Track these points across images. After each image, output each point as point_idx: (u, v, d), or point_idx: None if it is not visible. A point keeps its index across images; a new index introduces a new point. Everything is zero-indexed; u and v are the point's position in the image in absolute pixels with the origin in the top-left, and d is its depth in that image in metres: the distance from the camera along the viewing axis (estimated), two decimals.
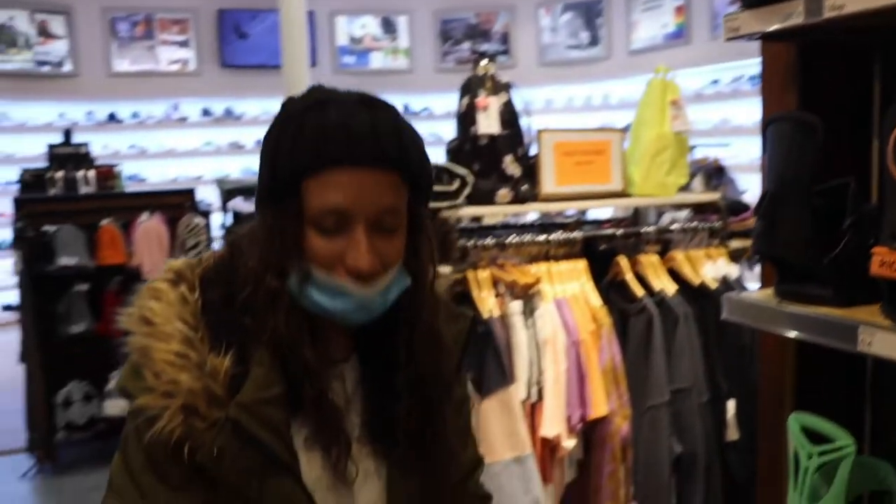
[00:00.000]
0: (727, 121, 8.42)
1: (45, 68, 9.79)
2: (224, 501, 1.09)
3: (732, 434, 2.99)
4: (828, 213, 1.25)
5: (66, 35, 9.91)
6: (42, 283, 4.86)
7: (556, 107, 10.32)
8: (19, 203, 5.13)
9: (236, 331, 1.10)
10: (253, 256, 1.10)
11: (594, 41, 10.40)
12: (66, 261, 4.76)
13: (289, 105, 1.13)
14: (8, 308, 9.17)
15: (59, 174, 5.66)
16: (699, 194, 3.41)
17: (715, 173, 5.21)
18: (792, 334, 1.23)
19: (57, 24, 9.87)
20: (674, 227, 3.12)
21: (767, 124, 1.30)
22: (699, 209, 3.53)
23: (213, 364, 1.06)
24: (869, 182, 1.12)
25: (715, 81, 8.75)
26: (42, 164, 5.90)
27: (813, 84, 1.44)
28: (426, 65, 11.19)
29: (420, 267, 1.17)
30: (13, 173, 6.20)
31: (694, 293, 2.97)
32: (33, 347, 4.85)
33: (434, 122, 10.30)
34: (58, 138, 6.07)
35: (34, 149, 8.48)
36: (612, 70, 9.89)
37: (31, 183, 5.71)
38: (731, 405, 3.00)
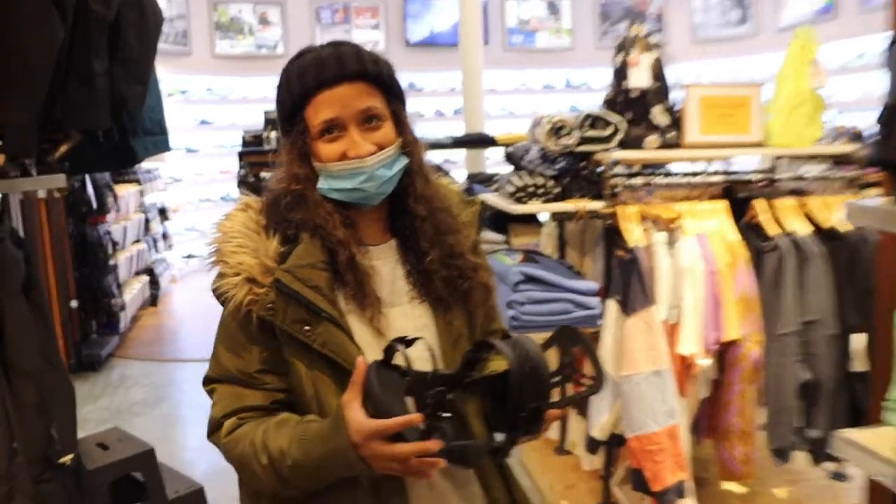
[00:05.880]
0: (870, 93, 7.83)
1: (263, 51, 10.34)
2: (291, 354, 1.25)
3: (859, 365, 2.86)
4: None
5: (280, 22, 10.41)
6: None
7: (705, 82, 9.91)
8: (241, 155, 5.52)
9: (284, 223, 1.29)
10: (282, 174, 1.30)
11: (743, 19, 9.89)
12: None
13: (287, 65, 1.33)
14: None
15: (273, 134, 6.04)
16: (836, 145, 3.23)
17: (853, 139, 4.90)
18: None
19: (274, 14, 10.39)
20: (811, 175, 3.00)
21: (891, 45, 1.26)
22: (837, 162, 3.36)
23: (265, 245, 1.26)
24: None
25: (860, 55, 8.15)
26: (258, 128, 6.30)
27: None
28: (586, 43, 10.99)
29: (411, 150, 1.34)
30: (237, 137, 6.67)
31: (827, 235, 2.86)
32: None
33: (593, 95, 10.15)
34: (272, 107, 6.44)
35: (253, 118, 9.03)
36: (760, 47, 9.36)
37: (251, 142, 6.13)
38: (858, 338, 2.87)
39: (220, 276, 1.25)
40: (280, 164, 1.31)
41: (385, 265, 1.34)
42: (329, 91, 1.25)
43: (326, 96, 1.25)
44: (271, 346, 1.26)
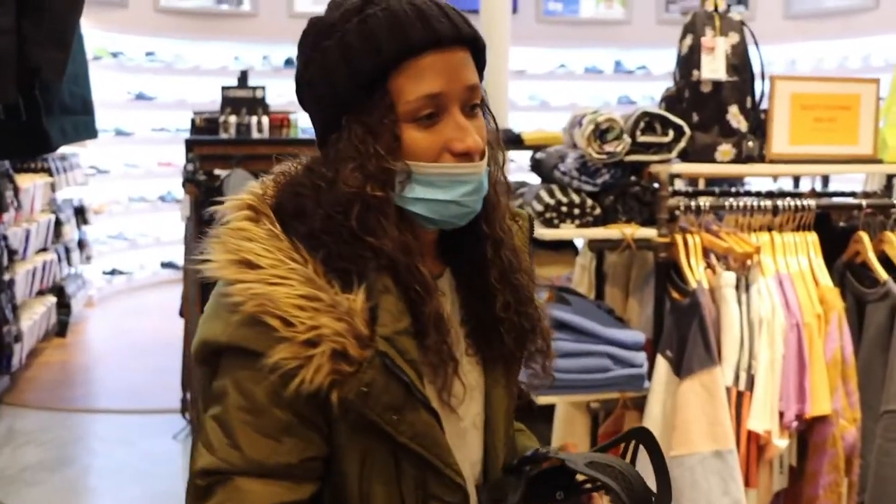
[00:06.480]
0: None
1: (224, 6, 10.47)
2: (346, 438, 1.21)
3: None
4: None
5: None
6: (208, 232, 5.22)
7: (802, 69, 9.96)
8: (190, 145, 5.55)
9: (351, 260, 1.18)
10: (348, 174, 1.18)
11: None
12: None
13: (329, 15, 1.23)
14: (168, 265, 9.96)
15: (232, 119, 6.06)
16: None
17: None
18: None
19: None
20: None
21: None
22: None
23: (348, 303, 1.15)
24: None
25: None
26: (215, 108, 6.34)
27: None
28: (646, 15, 11.02)
29: (489, 144, 1.28)
30: (185, 119, 6.70)
31: None
32: (194, 300, 5.22)
33: (651, 83, 10.23)
34: (231, 82, 6.49)
35: (207, 94, 9.14)
36: (882, 23, 9.37)
37: (203, 128, 6.16)
38: None
39: (279, 340, 1.12)
40: (338, 156, 1.20)
41: (446, 303, 1.31)
42: (439, 54, 1.18)
43: (435, 61, 1.18)
44: (324, 428, 1.20)
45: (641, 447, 1.35)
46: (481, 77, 1.27)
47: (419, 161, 1.19)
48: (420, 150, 1.19)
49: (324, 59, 1.21)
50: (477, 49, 1.25)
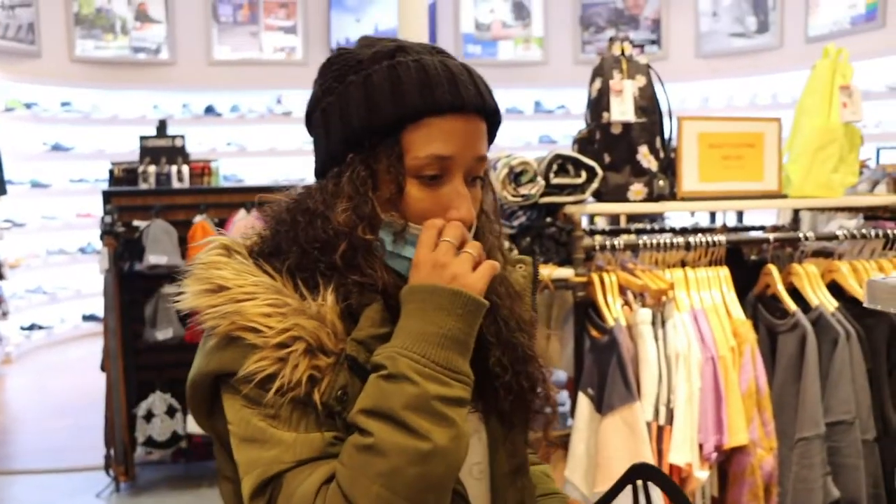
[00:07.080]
0: None
1: (141, 55, 10.41)
2: None
3: None
4: None
5: (165, 19, 10.51)
6: (128, 284, 5.18)
7: (715, 106, 10.24)
8: (108, 196, 5.48)
9: (317, 277, 1.20)
10: (341, 213, 1.19)
11: (763, 27, 10.29)
12: (155, 259, 5.03)
13: (359, 51, 1.25)
14: (89, 318, 9.78)
15: (151, 169, 6.00)
16: (872, 196, 3.38)
17: None
18: None
19: (156, 8, 10.49)
20: (839, 233, 3.12)
21: None
22: (872, 216, 3.51)
23: (317, 307, 1.16)
24: None
25: None
26: (133, 158, 6.28)
27: None
28: (563, 56, 11.28)
29: (487, 215, 1.32)
30: (104, 169, 6.64)
31: (860, 311, 2.96)
32: (115, 354, 5.14)
33: (571, 122, 10.39)
34: (150, 131, 6.43)
35: (126, 143, 9.05)
36: (785, 62, 9.70)
37: (122, 178, 6.09)
38: None
39: (251, 348, 1.13)
40: (336, 191, 1.21)
41: None
42: (460, 119, 1.20)
43: (454, 125, 1.20)
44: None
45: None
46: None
47: (413, 218, 1.21)
48: (419, 210, 1.21)
49: (345, 92, 1.22)
50: (493, 123, 1.27)
